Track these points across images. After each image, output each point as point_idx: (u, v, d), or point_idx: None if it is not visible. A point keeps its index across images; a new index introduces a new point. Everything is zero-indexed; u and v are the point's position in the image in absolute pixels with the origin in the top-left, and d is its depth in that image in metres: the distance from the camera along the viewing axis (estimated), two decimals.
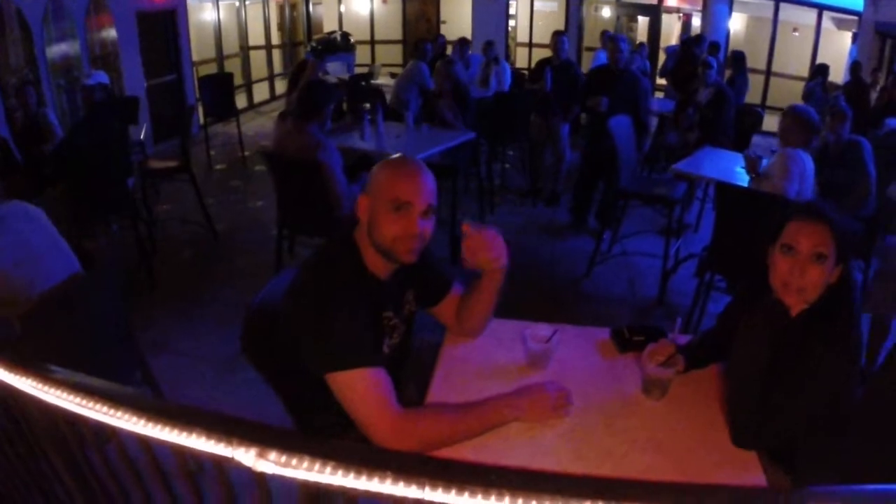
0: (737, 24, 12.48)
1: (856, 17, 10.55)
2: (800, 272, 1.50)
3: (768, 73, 11.49)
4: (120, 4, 7.29)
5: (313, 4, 13.42)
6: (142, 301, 4.05)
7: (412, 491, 1.03)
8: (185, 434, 1.09)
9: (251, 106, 10.85)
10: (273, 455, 1.04)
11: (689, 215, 5.55)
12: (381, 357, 1.61)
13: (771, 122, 7.38)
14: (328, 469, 1.07)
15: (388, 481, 1.01)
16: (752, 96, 9.54)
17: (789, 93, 10.57)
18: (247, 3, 10.81)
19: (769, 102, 11.17)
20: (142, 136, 6.02)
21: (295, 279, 1.62)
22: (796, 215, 1.56)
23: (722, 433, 1.55)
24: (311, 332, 1.50)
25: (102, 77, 5.76)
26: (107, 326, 2.27)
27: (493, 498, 0.98)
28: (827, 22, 11.59)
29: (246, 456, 1.05)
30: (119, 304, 2.33)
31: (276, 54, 12.18)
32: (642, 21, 13.11)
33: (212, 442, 1.07)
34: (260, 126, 9.45)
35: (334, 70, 10.26)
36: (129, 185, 4.45)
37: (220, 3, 10.17)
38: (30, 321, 1.90)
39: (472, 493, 0.99)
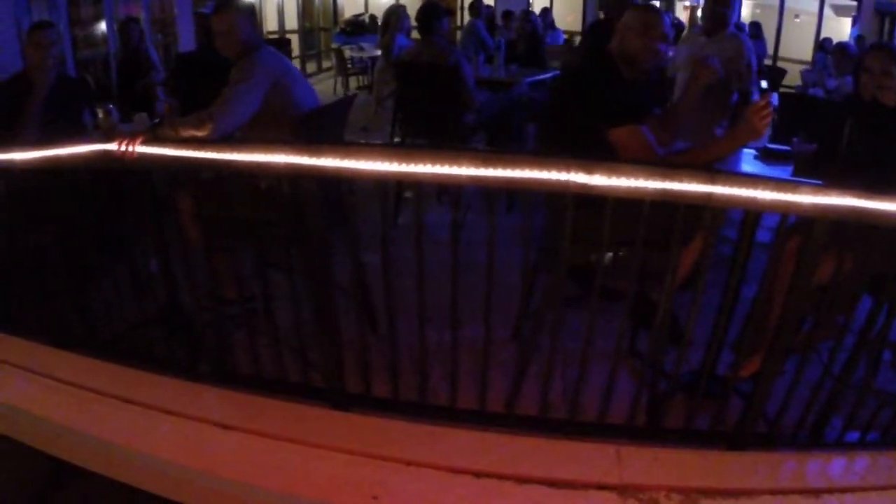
0: (743, 10, 13.16)
1: (854, 3, 11.27)
2: (879, 79, 2.37)
3: (775, 57, 12.15)
4: None
5: None
6: None
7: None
8: (528, 170, 1.77)
9: None
10: (600, 172, 1.74)
11: None
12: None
13: None
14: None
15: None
16: None
17: (793, 77, 11.24)
18: None
19: None
20: None
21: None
22: (870, 50, 2.55)
23: None
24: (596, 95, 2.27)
25: None
26: None
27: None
28: (826, 9, 12.28)
29: (578, 176, 1.74)
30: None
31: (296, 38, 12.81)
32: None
33: (553, 172, 1.75)
34: None
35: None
36: None
37: None
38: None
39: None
